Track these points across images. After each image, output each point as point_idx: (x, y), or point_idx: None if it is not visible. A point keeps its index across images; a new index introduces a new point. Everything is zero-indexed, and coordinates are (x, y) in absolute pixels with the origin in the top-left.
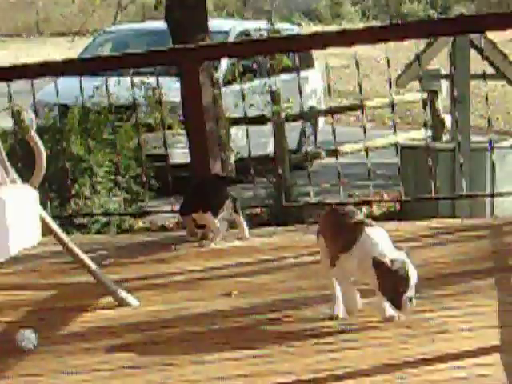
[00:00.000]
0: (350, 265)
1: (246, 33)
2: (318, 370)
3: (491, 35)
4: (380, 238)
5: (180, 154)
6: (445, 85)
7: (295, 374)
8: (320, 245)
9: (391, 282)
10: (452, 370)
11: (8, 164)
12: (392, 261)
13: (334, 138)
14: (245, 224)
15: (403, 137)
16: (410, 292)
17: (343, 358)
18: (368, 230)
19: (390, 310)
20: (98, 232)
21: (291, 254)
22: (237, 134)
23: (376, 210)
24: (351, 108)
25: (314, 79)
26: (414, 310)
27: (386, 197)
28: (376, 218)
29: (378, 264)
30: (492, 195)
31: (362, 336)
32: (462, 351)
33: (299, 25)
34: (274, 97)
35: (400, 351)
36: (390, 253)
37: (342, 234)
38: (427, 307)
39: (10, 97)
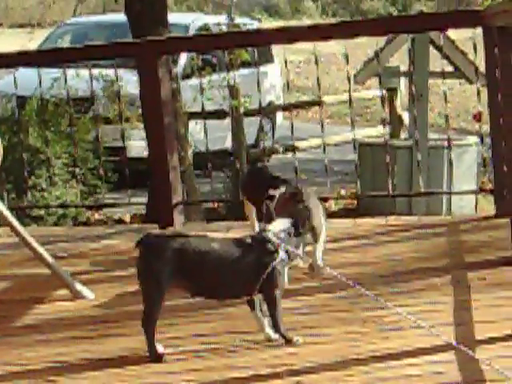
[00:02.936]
0: None
1: (205, 27)
2: (266, 365)
3: (451, 33)
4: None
5: (138, 147)
6: (403, 82)
7: (252, 368)
8: None
9: None
10: (405, 367)
11: None
12: None
13: (292, 133)
14: None
15: (361, 133)
16: None
17: (288, 354)
18: None
19: None
20: (55, 224)
21: None
22: (195, 127)
23: (333, 206)
24: (310, 104)
25: (273, 74)
26: (367, 307)
27: (343, 193)
28: (333, 214)
29: None
30: (449, 193)
31: (310, 332)
32: (416, 348)
33: (259, 20)
34: (233, 91)
35: (350, 348)
36: None
37: None
38: (381, 304)
39: None
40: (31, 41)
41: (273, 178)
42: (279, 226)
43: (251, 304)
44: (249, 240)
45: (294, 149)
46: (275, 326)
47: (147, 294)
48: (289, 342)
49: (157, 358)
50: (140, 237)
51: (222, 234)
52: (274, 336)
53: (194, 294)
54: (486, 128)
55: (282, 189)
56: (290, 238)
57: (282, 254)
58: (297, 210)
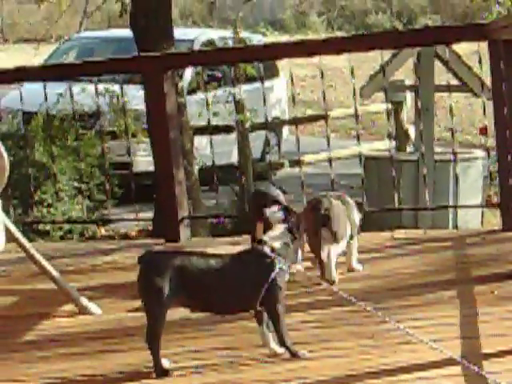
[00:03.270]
0: None
1: (211, 42)
2: (274, 380)
3: (456, 47)
4: None
5: (143, 162)
6: (409, 96)
7: (265, 381)
8: None
9: None
10: (416, 380)
11: None
12: None
13: (298, 148)
14: None
15: (367, 147)
16: None
17: (300, 368)
18: None
19: None
20: (61, 239)
21: None
22: (200, 142)
23: None
24: (315, 118)
25: (278, 89)
26: (378, 321)
27: None
28: None
29: None
30: (455, 207)
31: (322, 346)
32: (427, 362)
33: (264, 34)
34: (239, 106)
35: (361, 362)
36: None
37: None
38: (391, 318)
39: None
40: (36, 56)
41: (263, 196)
42: (274, 233)
43: (259, 319)
44: (246, 255)
45: (299, 163)
46: (280, 340)
47: (149, 310)
48: (295, 355)
49: (163, 372)
50: (141, 254)
51: (223, 250)
52: (280, 350)
53: (194, 309)
54: (491, 141)
55: (274, 208)
56: (286, 246)
57: (279, 267)
58: (316, 217)
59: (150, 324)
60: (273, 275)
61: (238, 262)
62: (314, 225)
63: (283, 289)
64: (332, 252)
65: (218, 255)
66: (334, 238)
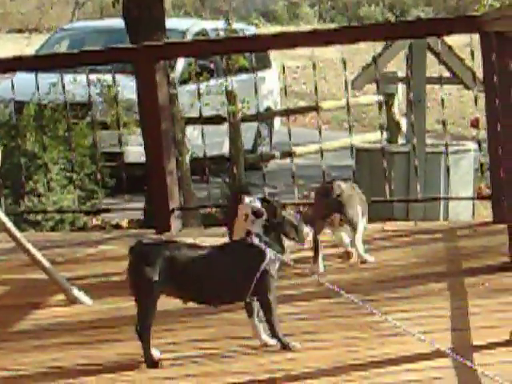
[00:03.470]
0: None
1: (203, 32)
2: (258, 372)
3: (448, 39)
4: None
5: (135, 152)
6: (401, 88)
7: (248, 374)
8: None
9: None
10: (404, 372)
11: None
12: None
13: (290, 139)
14: None
15: (359, 139)
16: None
17: (286, 360)
18: None
19: None
20: (52, 229)
21: None
22: (192, 133)
23: None
24: (307, 109)
25: (270, 80)
26: (365, 312)
27: None
28: None
29: None
30: (446, 198)
31: (308, 338)
32: (415, 354)
33: (256, 25)
34: (230, 97)
35: (348, 354)
36: None
37: None
38: (379, 310)
39: None
40: (28, 46)
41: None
42: (256, 225)
43: (249, 310)
44: (235, 245)
45: (291, 154)
46: (272, 331)
47: (139, 301)
48: (286, 347)
49: (153, 363)
50: (131, 244)
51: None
52: (271, 341)
53: (185, 300)
54: (483, 134)
55: (247, 199)
56: (269, 233)
57: (269, 256)
58: (329, 202)
59: (140, 314)
60: (264, 264)
61: (227, 253)
62: (325, 210)
63: (274, 278)
64: (356, 237)
65: (207, 246)
66: (350, 224)
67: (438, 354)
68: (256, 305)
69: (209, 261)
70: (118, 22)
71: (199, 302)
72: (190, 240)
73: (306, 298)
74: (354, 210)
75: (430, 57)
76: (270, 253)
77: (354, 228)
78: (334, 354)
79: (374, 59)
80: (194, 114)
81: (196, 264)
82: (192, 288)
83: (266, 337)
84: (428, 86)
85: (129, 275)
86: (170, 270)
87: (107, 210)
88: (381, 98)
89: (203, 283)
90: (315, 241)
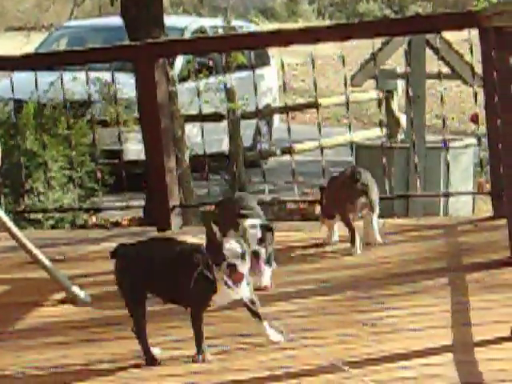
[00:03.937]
0: None
1: (201, 30)
2: (259, 369)
3: (447, 35)
4: None
5: (135, 150)
6: (400, 84)
7: (250, 371)
8: None
9: None
10: (401, 369)
11: None
12: None
13: (289, 135)
14: None
15: (358, 135)
16: None
17: (285, 357)
18: None
19: None
20: (52, 227)
21: None
22: (192, 130)
23: None
24: (306, 106)
25: (269, 77)
26: (362, 310)
27: None
28: None
29: None
30: (446, 194)
31: (305, 335)
32: (411, 351)
33: (256, 24)
34: (230, 94)
35: (345, 351)
36: None
37: None
38: (375, 307)
39: None
40: (27, 44)
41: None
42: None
43: (249, 310)
44: (189, 248)
45: (290, 151)
46: (196, 340)
47: (127, 303)
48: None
49: (152, 361)
50: (113, 248)
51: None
52: (276, 338)
53: (164, 301)
54: (482, 129)
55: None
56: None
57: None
58: (358, 186)
59: (132, 316)
60: (195, 274)
61: (180, 254)
62: (352, 194)
63: (208, 291)
64: (373, 220)
65: (176, 244)
66: (371, 207)
67: (434, 351)
68: (256, 304)
69: (167, 261)
70: (117, 20)
71: (172, 303)
72: (188, 237)
73: (302, 295)
74: (376, 195)
75: (428, 52)
76: (204, 264)
77: (374, 211)
78: (331, 351)
79: (373, 55)
80: (194, 111)
81: (161, 264)
82: (162, 289)
83: (271, 333)
84: (427, 82)
85: (115, 278)
86: (148, 271)
87: (107, 208)
88: (380, 94)
89: (167, 284)
90: (349, 224)
